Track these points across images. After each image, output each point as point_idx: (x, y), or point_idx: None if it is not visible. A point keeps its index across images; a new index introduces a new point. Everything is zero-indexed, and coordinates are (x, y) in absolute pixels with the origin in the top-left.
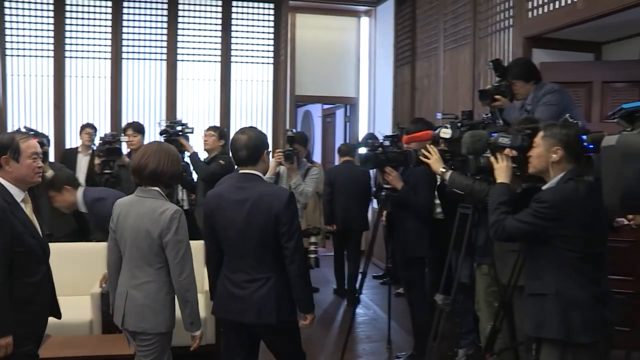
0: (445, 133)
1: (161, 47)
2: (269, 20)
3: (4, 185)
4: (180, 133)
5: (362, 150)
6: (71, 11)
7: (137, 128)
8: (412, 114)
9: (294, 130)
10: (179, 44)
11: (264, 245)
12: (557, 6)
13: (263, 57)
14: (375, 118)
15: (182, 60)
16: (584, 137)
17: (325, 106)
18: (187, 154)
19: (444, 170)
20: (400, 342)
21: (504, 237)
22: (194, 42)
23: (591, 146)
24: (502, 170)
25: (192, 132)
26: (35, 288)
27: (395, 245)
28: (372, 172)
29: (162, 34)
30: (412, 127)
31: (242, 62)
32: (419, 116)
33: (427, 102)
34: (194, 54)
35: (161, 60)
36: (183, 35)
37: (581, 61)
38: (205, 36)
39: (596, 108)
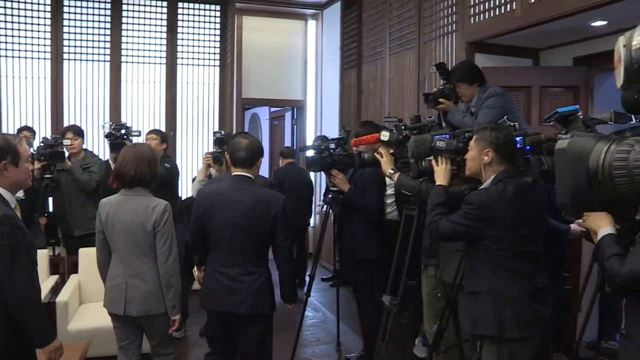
0: (384, 136)
1: (104, 47)
2: (215, 22)
3: (3, 196)
4: (125, 136)
5: (309, 153)
6: (5, 7)
7: (77, 131)
8: (358, 116)
9: (222, 132)
10: (123, 45)
11: (261, 242)
12: (497, 13)
13: (209, 59)
14: (322, 121)
15: (127, 62)
16: (519, 139)
17: (273, 109)
18: None
19: (392, 172)
20: (350, 343)
21: (438, 237)
22: (138, 43)
23: (528, 148)
24: (440, 173)
25: (138, 135)
26: (39, 293)
27: (343, 247)
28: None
29: (105, 34)
30: (361, 130)
31: (188, 64)
32: (365, 119)
33: (373, 105)
34: (138, 56)
35: (105, 61)
36: (127, 36)
37: (520, 66)
38: (150, 37)
39: (535, 111)
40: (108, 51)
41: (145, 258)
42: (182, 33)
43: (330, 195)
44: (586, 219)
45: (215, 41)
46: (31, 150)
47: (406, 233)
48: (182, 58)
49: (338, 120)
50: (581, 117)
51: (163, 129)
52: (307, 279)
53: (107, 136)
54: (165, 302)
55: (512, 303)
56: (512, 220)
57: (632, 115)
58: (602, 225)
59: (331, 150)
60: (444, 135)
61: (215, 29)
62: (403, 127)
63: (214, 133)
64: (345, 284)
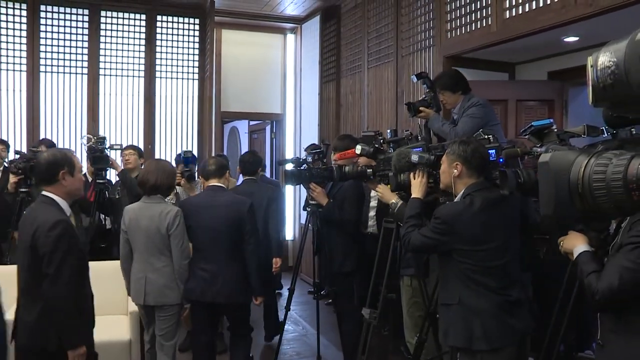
0: (357, 149)
1: (82, 60)
2: (194, 36)
3: (56, 200)
4: (106, 149)
5: (289, 167)
6: None
7: (49, 144)
8: (337, 129)
9: (192, 151)
10: (102, 57)
11: (234, 241)
12: (473, 28)
13: (188, 72)
14: (301, 134)
15: (105, 75)
16: (492, 152)
17: (252, 122)
18: (113, 171)
19: (394, 202)
20: (330, 357)
21: (409, 249)
22: (117, 55)
23: (502, 160)
24: (416, 186)
25: (120, 149)
26: (87, 299)
27: (322, 260)
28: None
29: (82, 47)
30: (339, 144)
31: (166, 77)
32: (344, 132)
33: (352, 118)
34: (116, 68)
35: (82, 74)
36: (105, 48)
37: (497, 80)
38: (128, 50)
39: (511, 124)
40: (86, 63)
41: (163, 256)
42: (161, 46)
43: (309, 209)
44: (563, 243)
45: (194, 54)
46: (5, 164)
47: (385, 246)
48: (160, 71)
49: (317, 133)
50: (555, 130)
51: (141, 142)
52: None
53: (89, 150)
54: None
55: (479, 315)
56: (478, 235)
57: (604, 129)
58: (577, 244)
59: (309, 164)
60: (418, 149)
61: (194, 42)
62: (382, 140)
63: (185, 152)
64: (325, 297)
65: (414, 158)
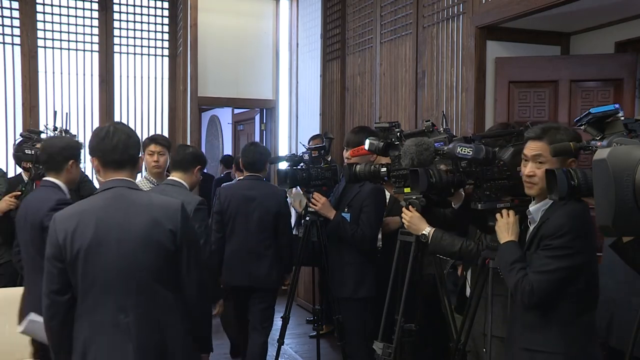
0: (366, 144)
1: (13, 26)
2: (162, 0)
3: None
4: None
5: (283, 166)
6: None
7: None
8: (342, 120)
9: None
10: (40, 25)
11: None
12: None
13: (156, 47)
14: (298, 125)
15: (45, 47)
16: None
17: (237, 110)
18: None
19: (425, 232)
20: None
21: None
22: (60, 23)
23: None
24: (505, 228)
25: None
26: None
27: (330, 283)
28: None
29: (13, 8)
30: (354, 139)
31: (128, 53)
32: (350, 122)
33: (361, 106)
34: (60, 39)
35: (14, 44)
36: (45, 13)
37: (545, 56)
38: (76, 17)
39: (563, 112)
40: (18, 32)
41: None
42: (120, 13)
43: (307, 218)
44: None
45: (163, 24)
46: None
47: (401, 264)
48: (120, 44)
49: (319, 125)
50: (622, 118)
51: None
52: None
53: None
54: None
55: None
56: None
57: None
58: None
59: (307, 162)
60: (439, 144)
61: (163, 8)
62: (399, 132)
63: None
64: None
65: (465, 152)
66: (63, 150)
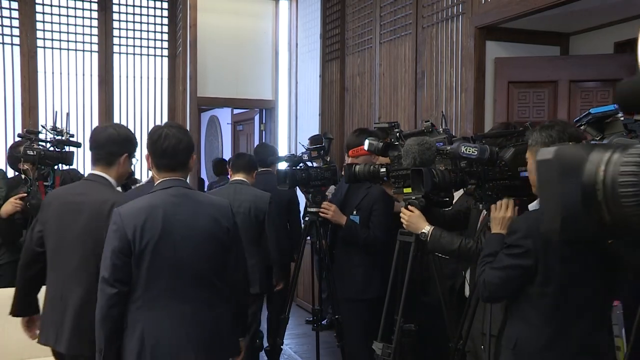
0: (365, 144)
1: (12, 26)
2: (161, 1)
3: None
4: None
5: (282, 166)
6: None
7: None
8: (342, 120)
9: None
10: (39, 26)
11: None
12: None
13: (155, 47)
14: (297, 125)
15: (45, 47)
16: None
17: (236, 111)
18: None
19: (425, 231)
20: None
21: (493, 295)
22: (60, 23)
23: None
24: (500, 221)
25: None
26: None
27: (338, 284)
28: None
29: (13, 9)
30: (355, 141)
31: (127, 53)
32: (350, 122)
33: (360, 106)
34: (60, 40)
35: (13, 44)
36: (44, 13)
37: (545, 56)
38: (76, 17)
39: (562, 112)
40: (18, 32)
41: None
42: (119, 13)
43: (307, 218)
44: None
45: (162, 24)
46: None
47: (401, 264)
48: (119, 45)
49: (318, 125)
50: (622, 119)
51: None
52: None
53: (53, 144)
54: None
55: None
56: None
57: None
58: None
59: (307, 163)
60: (440, 144)
61: (162, 8)
62: (399, 133)
63: None
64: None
65: (470, 152)
66: (122, 140)
